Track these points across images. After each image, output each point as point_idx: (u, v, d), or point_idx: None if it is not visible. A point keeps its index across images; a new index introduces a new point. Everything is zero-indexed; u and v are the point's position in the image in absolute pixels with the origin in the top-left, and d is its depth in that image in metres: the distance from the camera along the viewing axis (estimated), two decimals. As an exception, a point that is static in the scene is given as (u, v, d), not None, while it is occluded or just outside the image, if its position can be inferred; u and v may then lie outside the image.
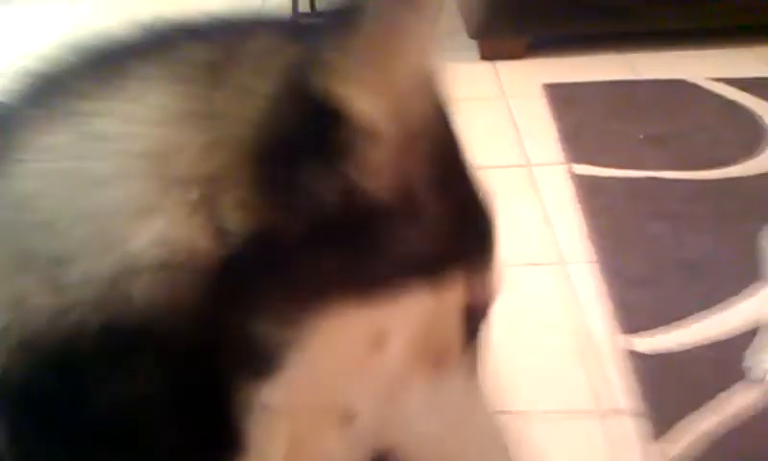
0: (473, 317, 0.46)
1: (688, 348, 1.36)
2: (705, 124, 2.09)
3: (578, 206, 1.80)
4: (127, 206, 0.34)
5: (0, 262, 0.35)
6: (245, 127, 0.36)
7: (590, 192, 1.84)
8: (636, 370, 1.33)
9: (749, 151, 1.95)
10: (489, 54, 2.58)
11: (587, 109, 2.21)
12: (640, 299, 1.49)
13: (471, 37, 2.60)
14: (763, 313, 1.42)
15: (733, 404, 1.24)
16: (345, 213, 0.37)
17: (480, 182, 0.46)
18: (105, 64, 0.39)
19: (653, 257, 1.61)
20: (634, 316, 1.44)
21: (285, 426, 0.39)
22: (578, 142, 2.04)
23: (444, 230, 0.42)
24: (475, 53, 2.60)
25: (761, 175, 1.86)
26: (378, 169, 0.38)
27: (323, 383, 0.39)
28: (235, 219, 0.35)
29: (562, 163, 1.97)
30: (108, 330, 0.34)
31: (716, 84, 2.29)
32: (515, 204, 1.82)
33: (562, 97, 2.28)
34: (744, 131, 2.05)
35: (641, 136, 2.05)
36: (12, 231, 0.35)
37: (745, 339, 1.37)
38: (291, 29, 0.43)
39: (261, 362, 0.36)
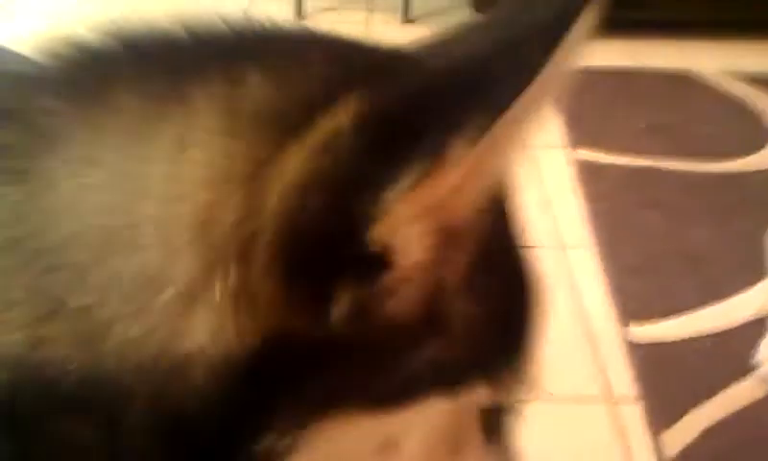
0: (497, 413, 0.42)
1: (687, 338, 1.36)
2: (708, 117, 2.09)
3: (578, 190, 1.79)
4: (176, 281, 0.30)
5: (15, 291, 0.30)
6: (280, 210, 0.30)
7: (591, 177, 1.83)
8: (633, 358, 1.32)
9: (751, 147, 1.94)
10: (493, 33, 2.56)
11: (590, 95, 2.18)
12: (638, 287, 1.49)
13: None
14: (766, 307, 1.42)
15: (735, 396, 1.24)
16: (363, 330, 0.33)
17: (529, 266, 0.41)
18: (171, 72, 0.32)
19: (650, 246, 1.61)
20: (631, 304, 1.44)
21: None
22: (580, 127, 2.03)
23: (469, 341, 0.37)
24: (479, 32, 2.57)
25: (763, 172, 1.86)
26: (408, 293, 0.33)
27: None
28: (264, 314, 0.31)
29: (563, 147, 1.96)
30: (143, 403, 0.30)
31: (722, 77, 2.28)
32: (514, 186, 1.80)
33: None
34: (747, 126, 2.05)
35: (643, 125, 2.04)
36: (30, 259, 0.30)
37: (746, 332, 1.37)
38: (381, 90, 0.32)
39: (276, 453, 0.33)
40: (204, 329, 0.30)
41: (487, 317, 0.38)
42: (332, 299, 0.31)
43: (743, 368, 1.30)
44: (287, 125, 0.30)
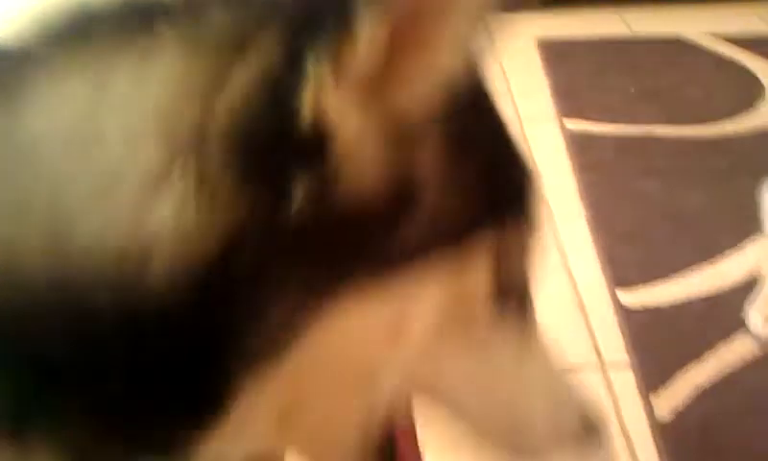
0: (513, 274, 0.42)
1: (679, 302, 1.35)
2: (698, 80, 2.06)
3: (569, 161, 1.78)
4: (138, 171, 0.32)
5: None
6: (230, 113, 0.34)
7: (582, 147, 1.81)
8: (628, 324, 1.32)
9: (742, 107, 1.92)
10: (481, 8, 2.53)
11: (580, 65, 2.17)
12: (631, 253, 1.48)
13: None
14: (760, 267, 1.41)
15: (727, 357, 1.23)
16: (330, 212, 0.34)
17: (513, 140, 0.43)
18: (130, 16, 0.35)
19: (644, 212, 1.60)
20: (624, 270, 1.43)
21: (287, 394, 0.36)
22: (570, 97, 2.01)
23: (465, 197, 0.39)
24: (468, 7, 2.54)
25: (755, 131, 1.84)
26: (363, 172, 0.34)
27: (338, 367, 0.37)
28: (233, 201, 0.33)
29: (554, 119, 1.94)
30: (110, 298, 0.32)
31: (711, 40, 2.25)
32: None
33: (554, 52, 2.24)
34: (738, 87, 2.03)
35: (633, 92, 2.02)
36: (10, 175, 0.33)
37: (739, 293, 1.36)
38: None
39: (272, 345, 0.34)
40: (167, 221, 0.32)
41: (478, 175, 0.40)
42: (288, 187, 0.33)
43: (735, 329, 1.29)
44: (236, 45, 0.34)
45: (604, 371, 1.24)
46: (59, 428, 0.34)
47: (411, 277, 0.37)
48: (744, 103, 1.94)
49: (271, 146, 0.33)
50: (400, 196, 0.36)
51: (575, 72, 2.14)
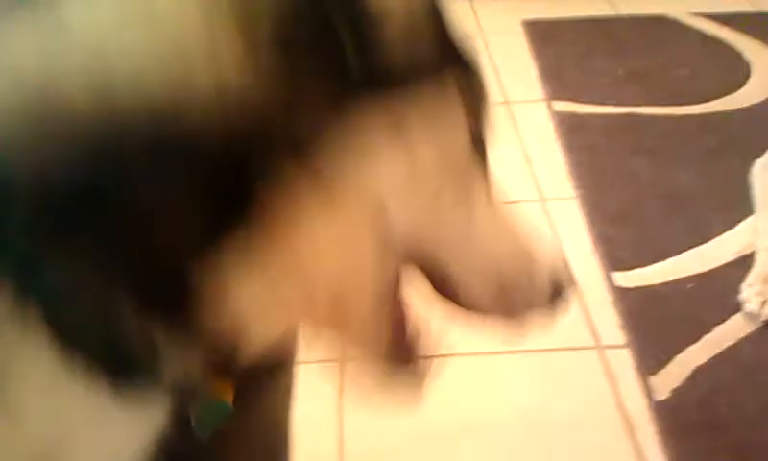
0: (474, 126, 0.47)
1: (673, 281, 1.35)
2: (685, 59, 2.06)
3: (558, 142, 1.77)
4: (186, 35, 0.37)
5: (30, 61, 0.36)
6: None
7: (570, 129, 1.81)
8: (620, 304, 1.31)
9: (730, 86, 1.93)
10: (466, -9, 2.51)
11: (566, 46, 2.16)
12: (623, 234, 1.47)
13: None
14: (752, 245, 1.40)
15: (723, 335, 1.23)
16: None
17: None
18: None
19: (634, 192, 1.59)
20: (617, 251, 1.43)
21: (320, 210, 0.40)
22: (558, 79, 2.00)
23: (435, 36, 0.44)
24: (452, -10, 2.52)
25: (743, 110, 1.84)
26: None
27: (351, 193, 0.41)
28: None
29: (541, 100, 1.93)
30: (148, 140, 0.36)
31: (697, 19, 2.25)
32: (494, 140, 1.78)
33: (541, 34, 2.22)
34: (725, 66, 2.03)
35: (621, 72, 2.01)
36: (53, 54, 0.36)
37: (732, 270, 1.36)
38: None
39: (298, 149, 0.38)
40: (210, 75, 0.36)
41: (440, 28, 0.45)
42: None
43: (730, 306, 1.29)
44: None
45: (601, 352, 1.24)
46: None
47: (405, 102, 0.41)
48: (731, 82, 1.94)
49: None
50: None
51: (562, 53, 2.13)
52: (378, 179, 0.42)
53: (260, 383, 0.63)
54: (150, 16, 0.37)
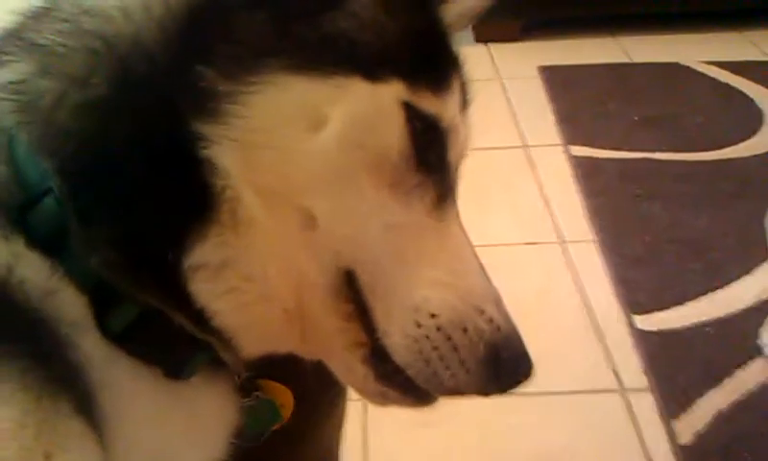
0: (428, 137, 0.48)
1: (692, 325, 1.37)
2: (699, 106, 2.10)
3: (575, 186, 1.81)
4: None
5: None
6: None
7: (588, 173, 1.84)
8: (640, 348, 1.33)
9: (743, 133, 1.96)
10: (483, 36, 2.58)
11: (582, 92, 2.21)
12: (641, 277, 1.50)
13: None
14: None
15: (744, 379, 1.25)
16: None
17: (447, 32, 0.51)
18: None
19: (651, 236, 1.62)
20: (635, 294, 1.45)
21: (254, 204, 0.44)
22: (574, 124, 2.04)
23: (386, 34, 0.47)
24: (470, 35, 2.58)
25: (757, 156, 1.88)
26: None
27: (271, 158, 0.44)
28: None
29: (558, 144, 1.97)
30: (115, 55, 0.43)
31: (709, 67, 2.30)
32: (512, 184, 1.82)
33: (557, 79, 2.27)
34: (738, 113, 2.07)
35: (636, 118, 2.05)
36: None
37: (751, 315, 1.38)
38: None
39: (206, 104, 0.43)
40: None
41: (402, 29, 0.48)
42: None
43: (750, 351, 1.30)
44: None
45: (623, 395, 1.26)
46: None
47: (326, 77, 0.45)
48: (745, 129, 1.98)
49: None
50: None
51: (578, 99, 2.17)
52: (288, 157, 0.45)
53: (319, 409, 0.65)
54: None
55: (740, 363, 1.28)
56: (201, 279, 0.43)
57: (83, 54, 0.43)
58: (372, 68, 0.47)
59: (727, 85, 2.21)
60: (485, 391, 0.50)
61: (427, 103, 0.49)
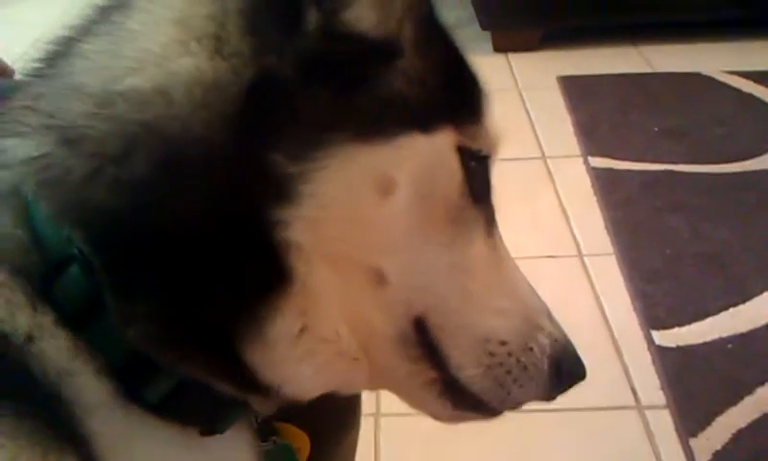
0: (477, 171, 0.51)
1: (712, 341, 1.36)
2: (720, 117, 2.08)
3: (595, 198, 1.79)
4: (161, 48, 0.44)
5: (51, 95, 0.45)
6: None
7: (607, 185, 1.83)
8: (659, 364, 1.32)
9: (766, 144, 1.94)
10: (502, 46, 2.57)
11: (602, 102, 2.19)
12: (660, 292, 1.48)
13: (484, 29, 2.58)
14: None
15: (764, 398, 1.23)
16: (329, 52, 0.45)
17: (467, 56, 0.53)
18: None
19: (672, 250, 1.60)
20: (654, 309, 1.44)
21: (325, 271, 0.44)
22: (594, 135, 2.03)
23: (428, 82, 0.48)
24: (488, 45, 2.58)
25: (780, 168, 1.85)
26: (358, 12, 0.46)
27: (343, 228, 0.45)
28: (237, 64, 0.44)
29: (578, 156, 1.96)
30: (152, 133, 0.42)
31: (731, 77, 2.27)
32: (531, 195, 1.81)
33: (576, 89, 2.26)
34: (761, 124, 2.04)
35: (656, 129, 2.04)
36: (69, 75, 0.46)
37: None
38: None
39: (281, 190, 0.43)
40: (184, 74, 0.43)
41: (438, 68, 0.49)
42: (305, 15, 0.44)
43: (771, 368, 1.29)
44: None
45: (641, 412, 1.25)
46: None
47: (388, 140, 0.46)
48: (767, 139, 1.95)
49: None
50: (387, 42, 0.47)
51: (597, 109, 2.16)
52: (359, 226, 0.45)
53: (335, 436, 0.66)
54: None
55: (762, 380, 1.27)
56: (272, 350, 0.44)
57: (119, 138, 0.42)
58: (426, 120, 0.48)
59: (750, 96, 2.18)
60: (549, 398, 0.54)
61: (472, 137, 0.50)
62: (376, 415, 1.23)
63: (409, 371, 0.50)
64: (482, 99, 0.52)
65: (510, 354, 0.51)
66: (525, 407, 0.51)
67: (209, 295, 0.42)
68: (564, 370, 0.53)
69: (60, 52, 0.48)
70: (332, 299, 0.45)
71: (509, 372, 0.51)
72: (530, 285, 0.55)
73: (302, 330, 0.45)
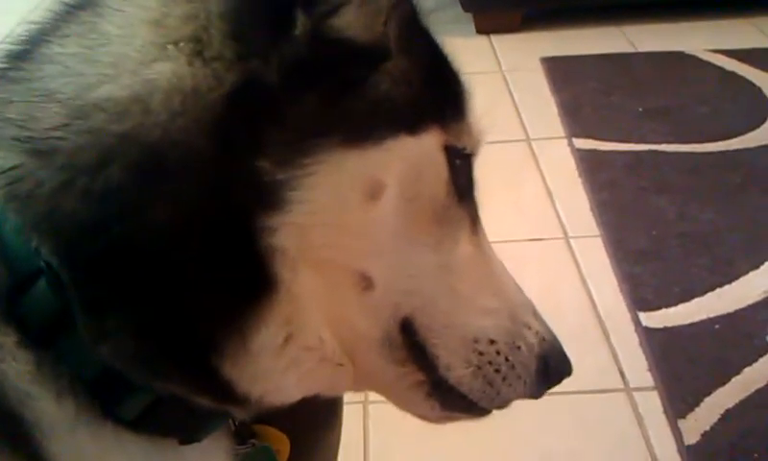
0: (461, 168, 0.50)
1: (699, 321, 1.35)
2: (705, 96, 2.07)
3: (580, 179, 1.78)
4: (137, 53, 0.43)
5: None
6: None
7: (592, 166, 1.81)
8: (647, 345, 1.31)
9: (750, 123, 1.93)
10: (484, 27, 2.55)
11: (585, 83, 2.18)
12: (647, 273, 1.47)
13: (466, 10, 2.55)
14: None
15: (752, 377, 1.23)
16: (317, 56, 0.43)
17: (450, 54, 0.52)
18: None
19: (658, 231, 1.59)
20: (641, 290, 1.43)
21: (309, 277, 0.43)
22: (578, 116, 2.02)
23: (414, 82, 0.47)
24: (470, 26, 2.55)
25: (764, 147, 1.84)
26: (348, 16, 0.44)
27: (330, 234, 0.44)
28: (219, 69, 0.42)
29: (562, 137, 1.94)
30: (132, 143, 0.40)
31: (715, 55, 2.26)
32: (516, 178, 1.79)
33: (559, 71, 2.24)
34: (745, 102, 2.03)
35: (641, 109, 2.03)
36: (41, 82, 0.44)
37: (759, 311, 1.35)
38: None
39: (268, 197, 0.41)
40: (163, 80, 0.41)
41: (422, 68, 0.48)
42: (292, 19, 0.43)
43: (759, 348, 1.28)
44: None
45: (629, 394, 1.24)
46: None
47: (376, 143, 0.45)
48: (752, 119, 1.94)
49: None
50: (375, 45, 0.46)
51: (581, 90, 2.14)
52: (347, 231, 0.44)
53: (315, 436, 0.64)
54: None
55: (749, 360, 1.26)
56: (255, 362, 0.42)
57: (93, 149, 0.40)
58: (413, 121, 0.47)
59: (734, 74, 2.17)
60: (536, 395, 0.55)
61: (457, 135, 0.50)
62: (365, 402, 1.21)
63: (396, 373, 0.49)
64: (465, 96, 0.52)
65: (498, 353, 0.51)
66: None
67: (188, 308, 0.40)
68: (551, 368, 0.54)
69: (27, 52, 0.45)
70: (317, 305, 0.44)
71: (498, 371, 0.51)
72: (515, 282, 0.54)
73: (287, 340, 0.43)
